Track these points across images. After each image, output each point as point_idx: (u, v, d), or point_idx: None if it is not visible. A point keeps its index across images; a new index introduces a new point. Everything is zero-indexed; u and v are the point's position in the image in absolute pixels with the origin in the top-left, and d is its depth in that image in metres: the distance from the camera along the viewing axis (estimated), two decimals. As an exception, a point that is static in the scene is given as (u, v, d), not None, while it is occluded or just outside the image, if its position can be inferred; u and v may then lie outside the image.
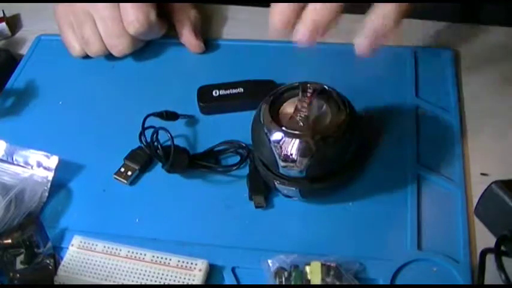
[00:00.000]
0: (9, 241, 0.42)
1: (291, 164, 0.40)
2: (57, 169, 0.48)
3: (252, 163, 0.47)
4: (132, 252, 0.43)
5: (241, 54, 0.58)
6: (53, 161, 0.48)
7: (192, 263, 0.42)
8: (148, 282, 0.41)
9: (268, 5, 0.44)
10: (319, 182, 0.42)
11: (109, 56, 0.58)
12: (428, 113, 0.51)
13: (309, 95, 0.42)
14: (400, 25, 0.42)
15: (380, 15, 0.42)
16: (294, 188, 0.43)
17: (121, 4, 0.53)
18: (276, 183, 0.43)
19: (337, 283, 0.39)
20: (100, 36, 0.55)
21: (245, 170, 0.47)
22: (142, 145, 0.47)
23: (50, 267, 0.42)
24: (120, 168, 0.48)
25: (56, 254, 0.44)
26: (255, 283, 0.41)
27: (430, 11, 0.61)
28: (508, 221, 0.40)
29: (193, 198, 0.47)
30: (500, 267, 0.38)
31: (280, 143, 0.40)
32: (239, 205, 0.46)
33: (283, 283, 0.40)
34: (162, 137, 0.46)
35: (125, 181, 0.48)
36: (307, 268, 0.40)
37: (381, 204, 0.45)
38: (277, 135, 0.40)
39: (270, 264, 0.41)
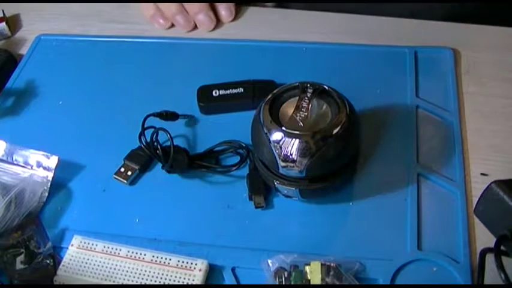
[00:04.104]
0: (9, 241, 0.42)
1: (291, 164, 0.40)
2: (57, 169, 0.48)
3: (252, 163, 0.47)
4: (132, 252, 0.43)
5: (241, 54, 0.58)
6: (52, 161, 0.48)
7: (192, 263, 0.42)
8: (148, 282, 0.41)
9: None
10: (319, 182, 0.42)
11: (109, 56, 0.58)
12: (428, 113, 0.51)
13: (309, 95, 0.42)
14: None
15: None
16: (293, 188, 0.43)
17: None
18: (275, 183, 0.43)
19: (337, 283, 0.39)
20: None
21: (245, 170, 0.47)
22: (142, 145, 0.47)
23: (50, 267, 0.42)
24: (120, 168, 0.48)
25: (56, 254, 0.44)
26: (254, 283, 0.41)
27: (430, 11, 0.61)
28: (508, 221, 0.40)
29: (193, 198, 0.47)
30: (500, 267, 0.38)
31: (280, 143, 0.40)
32: (239, 205, 0.46)
33: (283, 283, 0.40)
34: (162, 137, 0.46)
35: (125, 181, 0.48)
36: (307, 268, 0.40)
37: (381, 204, 0.45)
38: (277, 135, 0.40)
39: (270, 264, 0.41)
